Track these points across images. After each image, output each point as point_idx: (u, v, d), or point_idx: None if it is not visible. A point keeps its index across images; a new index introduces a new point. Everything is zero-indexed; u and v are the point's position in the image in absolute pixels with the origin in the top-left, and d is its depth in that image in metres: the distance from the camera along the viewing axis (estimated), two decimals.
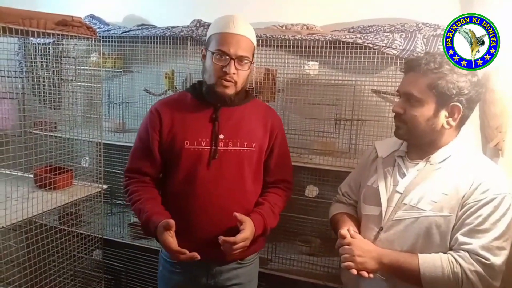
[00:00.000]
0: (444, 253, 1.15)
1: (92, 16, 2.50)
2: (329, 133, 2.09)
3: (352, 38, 1.94)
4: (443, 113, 1.17)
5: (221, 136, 1.42)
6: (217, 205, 1.41)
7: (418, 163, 1.24)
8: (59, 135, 2.17)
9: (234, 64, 1.35)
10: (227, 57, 1.34)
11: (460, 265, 1.10)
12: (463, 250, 1.11)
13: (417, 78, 1.17)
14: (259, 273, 2.00)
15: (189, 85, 1.93)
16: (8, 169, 1.78)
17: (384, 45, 1.88)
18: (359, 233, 1.31)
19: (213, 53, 1.36)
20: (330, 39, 1.96)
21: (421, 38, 1.86)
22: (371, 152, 1.45)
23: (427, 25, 1.92)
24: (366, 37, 1.92)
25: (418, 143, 1.25)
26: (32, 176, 1.84)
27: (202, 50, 1.43)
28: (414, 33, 1.89)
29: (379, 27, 2.02)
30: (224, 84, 1.37)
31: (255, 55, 1.52)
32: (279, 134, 1.54)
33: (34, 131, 2.02)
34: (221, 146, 1.41)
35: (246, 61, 1.38)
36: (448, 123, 1.18)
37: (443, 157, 1.20)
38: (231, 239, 1.31)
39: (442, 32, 1.86)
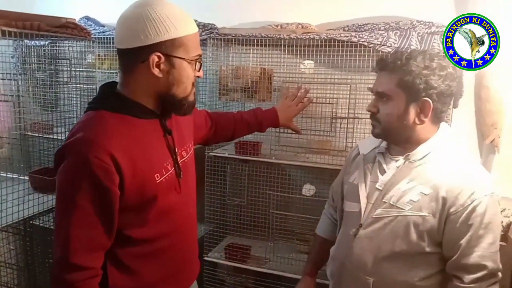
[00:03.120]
0: (421, 252, 1.16)
1: (88, 18, 2.50)
2: (326, 131, 2.09)
3: (347, 36, 1.94)
4: (413, 109, 1.18)
5: (177, 149, 1.20)
6: (189, 221, 1.29)
7: (398, 160, 1.24)
8: (55, 137, 2.17)
9: None
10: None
11: None
12: (470, 275, 1.11)
13: (387, 76, 1.19)
14: (258, 272, 2.01)
15: None
16: (4, 171, 1.77)
17: (379, 43, 1.89)
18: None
19: (192, 60, 1.10)
20: (325, 37, 1.96)
21: (415, 36, 1.87)
22: (353, 150, 1.46)
23: (422, 22, 1.93)
24: (361, 35, 1.93)
25: (394, 140, 1.26)
26: (27, 178, 1.83)
27: (156, 57, 1.04)
28: (408, 31, 1.90)
29: (374, 25, 2.02)
30: (194, 91, 1.16)
31: None
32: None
33: (30, 134, 2.02)
34: (180, 160, 1.20)
35: None
36: (419, 118, 1.18)
37: (422, 154, 1.20)
38: None
39: (437, 30, 1.87)
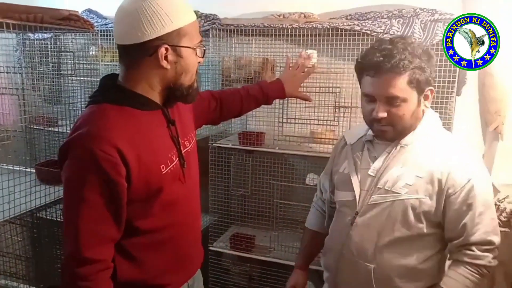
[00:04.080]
0: (420, 234, 1.19)
1: (90, 10, 2.49)
2: (329, 121, 2.09)
3: (350, 25, 1.93)
4: (422, 101, 1.21)
5: (180, 139, 1.20)
6: (193, 210, 1.30)
7: (389, 145, 1.26)
8: (60, 130, 2.18)
9: None
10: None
11: (482, 265, 1.16)
12: (472, 246, 1.16)
13: (396, 79, 1.14)
14: (262, 261, 2.02)
15: None
16: (11, 164, 1.79)
17: (382, 31, 1.88)
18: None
19: (196, 48, 1.11)
20: (328, 26, 1.95)
21: (418, 24, 1.85)
22: (339, 141, 1.47)
23: (425, 10, 1.91)
24: (363, 24, 1.92)
25: (402, 135, 1.24)
26: (34, 170, 1.85)
27: (164, 49, 1.04)
28: (411, 19, 1.88)
29: (377, 14, 2.01)
30: (197, 78, 1.17)
31: None
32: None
33: (35, 127, 2.03)
34: (183, 150, 1.21)
35: None
36: (425, 106, 1.23)
37: (414, 139, 1.23)
38: None
39: (440, 17, 1.86)
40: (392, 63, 1.12)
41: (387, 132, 1.21)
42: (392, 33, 1.86)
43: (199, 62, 1.15)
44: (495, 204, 1.54)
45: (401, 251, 1.21)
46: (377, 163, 1.25)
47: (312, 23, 1.99)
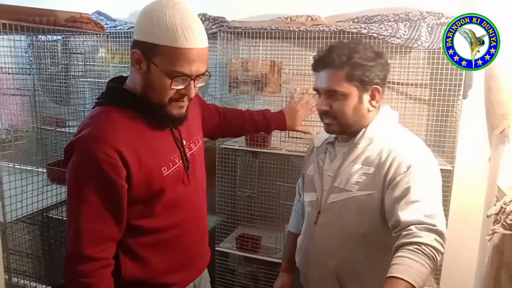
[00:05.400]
0: (377, 230, 1.19)
1: (99, 13, 2.53)
2: None
3: (357, 28, 1.94)
4: (366, 98, 1.23)
5: (184, 142, 1.21)
6: (199, 211, 1.30)
7: (345, 146, 1.29)
8: (69, 131, 2.21)
9: None
10: None
11: (422, 243, 1.04)
12: (410, 226, 1.07)
13: (333, 73, 1.21)
14: (268, 262, 2.03)
15: None
16: (23, 164, 1.82)
17: (388, 34, 1.89)
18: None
19: (167, 74, 1.07)
20: (335, 29, 1.97)
21: (425, 27, 1.87)
22: (310, 145, 1.50)
23: (431, 13, 1.93)
24: (370, 27, 1.93)
25: (351, 132, 1.28)
26: (44, 170, 1.88)
27: (136, 53, 1.06)
28: (418, 22, 1.90)
29: (383, 17, 2.02)
30: (181, 105, 1.17)
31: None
32: (202, 101, 1.47)
33: (46, 127, 2.06)
34: (188, 153, 1.22)
35: None
36: (372, 105, 1.24)
37: (366, 137, 1.25)
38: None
39: (446, 21, 1.87)
40: (330, 58, 1.20)
41: (332, 125, 1.27)
42: (399, 36, 1.88)
43: (183, 94, 1.10)
44: (501, 208, 1.54)
45: (360, 248, 1.23)
46: (334, 164, 1.29)
47: (319, 26, 2.01)
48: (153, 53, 1.03)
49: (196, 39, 1.03)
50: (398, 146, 1.20)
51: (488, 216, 1.57)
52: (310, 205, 1.36)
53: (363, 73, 1.19)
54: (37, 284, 1.61)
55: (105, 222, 1.05)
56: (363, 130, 1.25)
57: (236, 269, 2.37)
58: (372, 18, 2.05)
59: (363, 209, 1.20)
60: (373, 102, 1.24)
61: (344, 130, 1.28)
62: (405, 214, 1.09)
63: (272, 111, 1.65)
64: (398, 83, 2.07)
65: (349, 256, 1.24)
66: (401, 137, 1.25)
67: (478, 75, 1.90)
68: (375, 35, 1.91)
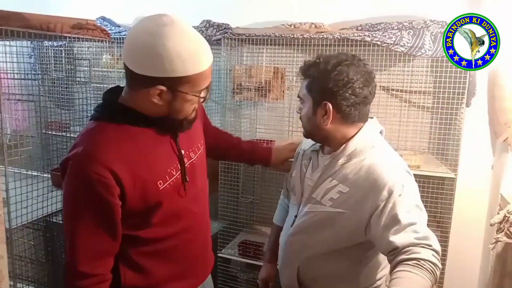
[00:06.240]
0: (351, 247, 1.23)
1: (103, 18, 2.54)
2: None
3: (361, 36, 1.95)
4: (319, 113, 1.22)
5: (183, 151, 1.20)
6: (199, 219, 1.30)
7: (327, 159, 1.30)
8: (74, 135, 2.22)
9: None
10: None
11: (422, 258, 1.04)
12: (408, 247, 1.07)
13: (303, 82, 1.27)
14: None
15: None
16: (27, 169, 1.82)
17: (392, 42, 1.90)
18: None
19: (195, 95, 1.11)
20: (339, 37, 1.97)
21: (429, 35, 1.88)
22: (299, 146, 1.51)
23: (435, 22, 1.94)
24: (374, 35, 1.94)
25: (316, 140, 1.32)
26: (48, 176, 1.88)
27: (158, 90, 1.05)
28: (422, 30, 1.91)
29: (387, 25, 2.03)
30: (195, 107, 1.20)
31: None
32: (203, 109, 1.47)
33: (50, 132, 2.07)
34: (187, 163, 1.21)
35: None
36: (324, 121, 1.22)
37: (344, 154, 1.24)
38: None
39: None
40: (303, 69, 1.26)
41: (303, 128, 1.32)
42: (403, 44, 1.89)
43: (202, 100, 1.14)
44: (504, 216, 1.55)
45: (324, 256, 1.28)
46: (315, 174, 1.31)
47: (322, 33, 2.02)
48: (179, 83, 1.05)
49: (209, 55, 1.08)
50: (376, 168, 1.17)
51: (491, 225, 1.58)
52: (292, 206, 1.41)
53: (316, 86, 1.21)
54: None
55: (99, 238, 1.07)
56: (344, 145, 1.24)
57: (238, 275, 2.36)
58: (376, 26, 2.06)
59: (331, 224, 1.23)
60: (325, 118, 1.21)
61: (309, 135, 1.32)
62: (398, 238, 1.09)
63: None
64: (401, 90, 2.08)
65: (311, 261, 1.30)
66: (380, 156, 1.21)
67: (481, 83, 1.91)
68: (378, 43, 1.92)
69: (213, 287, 1.46)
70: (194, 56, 1.03)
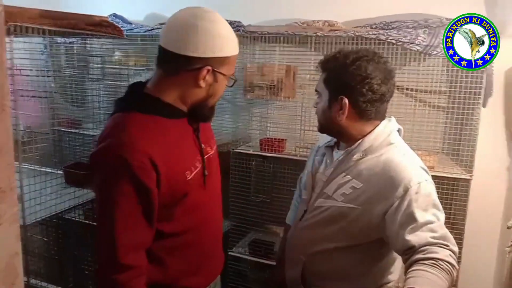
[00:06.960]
0: (360, 244, 1.21)
1: (115, 15, 2.54)
2: None
3: (375, 34, 1.93)
4: (335, 107, 1.21)
5: (203, 145, 1.22)
6: (214, 215, 1.31)
7: (341, 155, 1.28)
8: (86, 132, 2.22)
9: None
10: None
11: (439, 258, 1.03)
12: (425, 246, 1.06)
13: (321, 75, 1.27)
14: None
15: None
16: (41, 166, 1.83)
17: (407, 41, 1.88)
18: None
19: (230, 77, 1.18)
20: (352, 35, 1.95)
21: None
22: (316, 143, 1.52)
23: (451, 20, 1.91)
24: (389, 33, 1.92)
25: (331, 134, 1.32)
26: (61, 172, 1.89)
27: (206, 70, 1.09)
28: (437, 29, 1.88)
29: (402, 23, 2.01)
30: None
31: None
32: None
33: (62, 129, 2.08)
34: (205, 156, 1.23)
35: None
36: (338, 115, 1.21)
37: (359, 150, 1.23)
38: None
39: None
40: (322, 62, 1.26)
41: (318, 123, 1.31)
42: (418, 42, 1.86)
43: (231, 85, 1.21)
44: None
45: (331, 252, 1.25)
46: (329, 170, 1.30)
47: (336, 32, 2.00)
48: (222, 64, 1.11)
49: (237, 42, 1.15)
50: (393, 164, 1.16)
51: (508, 228, 1.55)
52: (302, 201, 1.40)
53: (335, 78, 1.20)
54: (53, 286, 1.61)
55: (140, 229, 1.06)
56: (359, 141, 1.23)
57: (247, 274, 2.36)
58: (391, 24, 2.03)
59: (342, 220, 1.22)
60: (340, 113, 1.20)
61: (323, 130, 1.31)
62: (415, 237, 1.07)
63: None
64: (416, 90, 2.05)
65: (318, 256, 1.28)
66: (397, 153, 1.20)
67: (498, 83, 1.88)
68: (393, 41, 1.90)
69: (220, 286, 1.46)
70: (233, 38, 1.12)
